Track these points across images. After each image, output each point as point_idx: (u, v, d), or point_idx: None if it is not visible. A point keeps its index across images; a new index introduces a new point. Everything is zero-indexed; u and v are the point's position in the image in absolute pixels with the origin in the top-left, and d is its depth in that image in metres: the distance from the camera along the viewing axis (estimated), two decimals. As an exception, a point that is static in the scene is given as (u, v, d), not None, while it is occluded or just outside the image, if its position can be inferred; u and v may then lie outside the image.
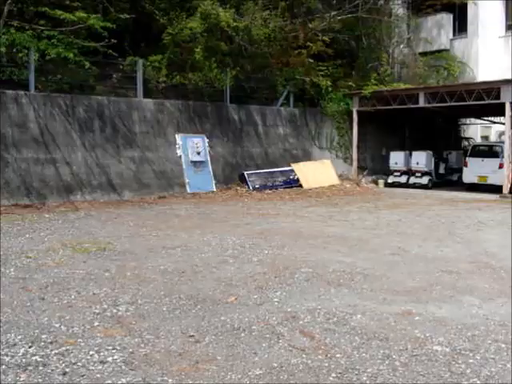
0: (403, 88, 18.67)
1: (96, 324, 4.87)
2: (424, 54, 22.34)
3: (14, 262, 7.22)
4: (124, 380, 3.73)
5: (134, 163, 15.10)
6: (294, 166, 17.73)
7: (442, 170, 19.88)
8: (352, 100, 19.39)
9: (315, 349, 4.32)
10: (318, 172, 17.84)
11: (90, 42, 15.24)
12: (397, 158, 18.90)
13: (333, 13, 18.79)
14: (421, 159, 18.82)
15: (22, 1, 15.38)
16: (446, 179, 19.89)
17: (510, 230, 10.24)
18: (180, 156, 15.96)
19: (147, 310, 5.28)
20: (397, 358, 4.15)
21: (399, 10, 22.44)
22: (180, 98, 16.76)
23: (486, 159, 17.75)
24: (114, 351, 4.24)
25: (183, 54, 16.68)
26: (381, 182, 18.92)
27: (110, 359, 4.08)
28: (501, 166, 16.79)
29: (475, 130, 24.58)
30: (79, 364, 3.99)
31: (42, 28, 14.87)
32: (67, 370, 3.89)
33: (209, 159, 16.45)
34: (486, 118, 22.76)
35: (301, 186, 17.34)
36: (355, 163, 19.39)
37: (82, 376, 3.79)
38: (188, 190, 15.69)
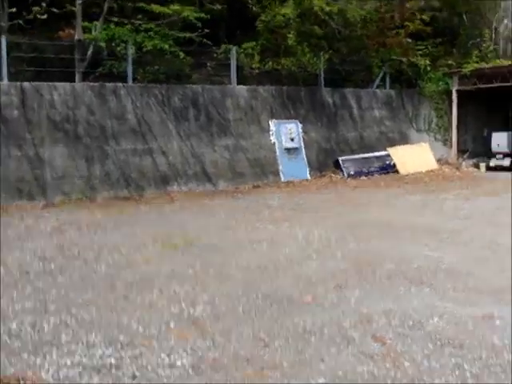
0: (507, 65, 17.63)
1: (172, 325, 5.02)
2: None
3: (106, 258, 7.57)
4: (185, 387, 3.83)
5: (228, 151, 15.32)
6: (391, 150, 17.30)
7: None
8: (451, 79, 18.57)
9: (384, 356, 4.23)
10: (415, 156, 17.31)
11: (186, 32, 15.58)
12: (499, 140, 17.92)
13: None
14: (526, 140, 17.79)
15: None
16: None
17: None
18: (274, 143, 16.00)
19: (223, 311, 5.38)
20: (468, 369, 3.98)
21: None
22: (273, 83, 16.77)
23: None
24: (184, 354, 4.35)
25: (277, 39, 16.65)
26: (482, 165, 18.03)
27: (179, 363, 4.20)
28: None
29: None
30: (149, 368, 4.14)
31: (139, 22, 15.32)
32: (137, 373, 4.05)
33: (303, 145, 16.38)
34: None
35: (397, 171, 16.90)
36: (455, 146, 18.62)
37: (150, 381, 3.93)
38: (282, 179, 15.72)
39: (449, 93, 18.65)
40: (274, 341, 4.59)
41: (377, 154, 17.25)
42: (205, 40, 15.74)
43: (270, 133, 16.03)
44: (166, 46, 14.71)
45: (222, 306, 5.51)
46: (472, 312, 5.16)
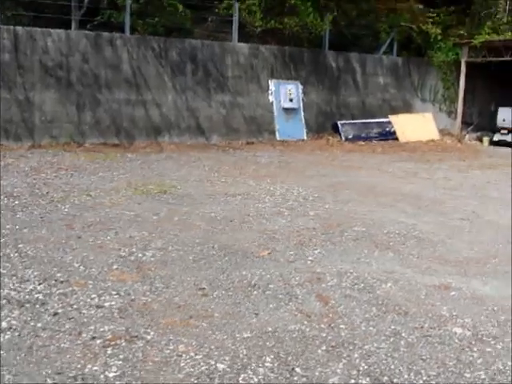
0: (518, 38, 17.07)
1: (115, 267, 4.84)
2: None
3: (73, 200, 7.38)
4: (106, 328, 3.64)
5: (224, 108, 14.99)
6: (392, 118, 16.90)
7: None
8: (461, 50, 18.02)
9: (322, 316, 4.03)
10: (417, 125, 16.90)
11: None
12: (505, 115, 17.43)
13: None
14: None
15: None
16: None
17: None
18: (272, 102, 15.64)
19: (173, 258, 5.19)
20: (405, 337, 3.77)
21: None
22: (276, 43, 16.32)
23: None
24: (116, 297, 4.18)
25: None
26: (485, 139, 17.60)
27: (107, 304, 4.02)
28: None
29: None
30: (75, 306, 3.96)
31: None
32: (60, 311, 3.87)
33: (301, 106, 16.01)
34: None
35: (397, 139, 16.53)
36: (459, 118, 18.16)
37: (70, 319, 3.75)
38: (277, 137, 15.41)
39: (458, 64, 18.11)
40: (213, 291, 4.40)
41: (377, 120, 16.85)
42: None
43: (269, 92, 15.66)
44: (166, -3, 14.28)
45: (173, 253, 5.32)
46: (429, 281, 4.93)
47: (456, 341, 3.74)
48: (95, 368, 3.15)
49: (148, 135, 13.86)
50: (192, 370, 3.19)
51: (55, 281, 4.44)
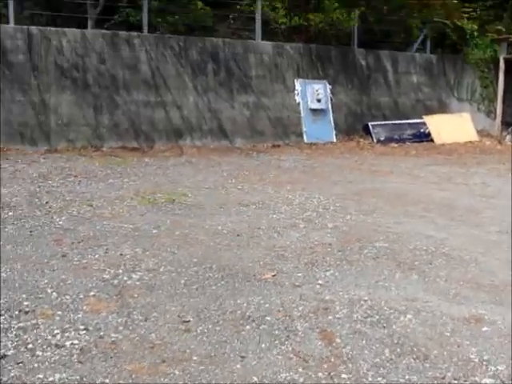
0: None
1: (92, 293, 4.24)
2: None
3: (71, 211, 6.85)
4: (57, 376, 3.04)
5: (247, 109, 14.36)
6: (427, 119, 16.00)
7: None
8: (500, 46, 17.00)
9: (322, 361, 3.34)
10: (453, 126, 15.97)
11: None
12: (548, 114, 16.43)
13: None
14: None
15: None
16: None
17: None
18: (298, 103, 14.94)
19: (162, 281, 4.57)
20: (422, 390, 3.07)
21: None
22: (302, 41, 15.63)
23: None
24: (82, 333, 3.57)
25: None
26: (527, 140, 16.61)
27: (68, 344, 3.42)
28: None
29: None
30: (30, 346, 3.37)
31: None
32: (10, 352, 3.28)
33: (330, 107, 15.28)
34: None
35: (432, 140, 15.64)
36: (499, 118, 17.13)
37: (18, 364, 3.15)
38: (305, 140, 14.71)
39: (496, 61, 17.09)
40: (199, 325, 3.76)
41: (411, 121, 15.98)
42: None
43: (295, 92, 14.96)
44: (185, -6, 13.74)
45: (164, 276, 4.70)
46: (457, 312, 4.19)
47: (486, 399, 3.02)
48: None
49: (168, 138, 13.33)
50: None
51: (19, 311, 3.86)
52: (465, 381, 3.18)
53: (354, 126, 15.66)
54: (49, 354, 3.28)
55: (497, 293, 4.64)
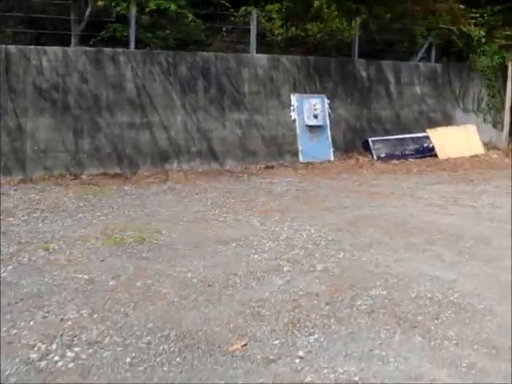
0: None
1: (6, 385, 3.34)
2: None
3: (22, 257, 5.97)
4: None
5: (239, 127, 13.48)
6: (430, 132, 15.07)
7: None
8: (508, 53, 16.09)
9: None
10: (458, 139, 15.03)
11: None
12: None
13: None
14: None
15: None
16: None
17: None
18: (294, 120, 14.05)
19: (102, 361, 3.67)
20: None
21: None
22: (300, 53, 14.78)
23: None
24: None
25: (306, 1, 14.56)
26: (539, 152, 15.64)
27: None
28: None
29: None
30: None
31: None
32: None
33: (328, 123, 14.37)
34: None
35: (436, 155, 14.71)
36: (506, 129, 16.13)
37: None
38: (301, 159, 13.79)
39: (504, 69, 16.17)
40: None
41: (413, 135, 15.06)
42: (223, 1, 13.92)
43: (291, 108, 14.08)
44: (173, 7, 12.87)
45: (107, 352, 3.80)
46: (471, 393, 3.28)
47: None
48: None
49: (154, 162, 12.45)
50: None
51: None
52: None
53: (353, 143, 14.75)
54: None
55: (519, 363, 3.71)
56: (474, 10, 16.25)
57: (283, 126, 13.99)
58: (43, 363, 3.63)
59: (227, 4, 13.98)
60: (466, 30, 15.87)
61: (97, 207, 8.65)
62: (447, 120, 16.05)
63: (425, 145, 14.88)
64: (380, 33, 15.65)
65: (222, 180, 11.51)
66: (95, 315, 4.42)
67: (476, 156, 14.90)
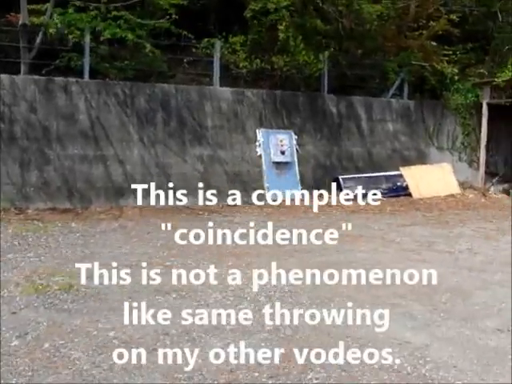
0: (548, 75, 14.66)
1: None
2: None
3: None
4: None
5: (201, 163, 12.72)
6: (404, 171, 14.46)
7: None
8: (482, 91, 15.64)
9: None
10: (433, 178, 14.43)
11: (161, 22, 13.11)
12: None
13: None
14: None
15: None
16: None
17: None
18: (260, 155, 13.35)
19: None
20: None
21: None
22: (267, 87, 14.17)
23: None
24: None
25: (271, 34, 14.03)
26: (514, 192, 15.05)
27: None
28: None
29: None
30: None
31: (93, 5, 12.78)
32: None
33: (296, 160, 13.70)
34: None
35: (410, 195, 14.07)
36: (482, 168, 15.59)
37: None
38: (267, 197, 12.93)
39: (478, 106, 15.70)
40: None
41: (386, 173, 14.43)
42: (185, 33, 13.35)
43: (257, 144, 13.39)
44: (129, 36, 12.21)
45: None
46: None
47: None
48: None
49: (108, 198, 11.61)
50: None
51: None
52: None
53: (323, 180, 14.01)
54: None
55: None
56: (446, 47, 15.96)
57: (248, 162, 13.27)
58: None
59: (190, 35, 13.44)
60: (438, 67, 15.49)
61: (32, 246, 7.77)
62: (421, 158, 15.48)
63: (398, 183, 14.25)
64: (351, 68, 15.19)
65: (179, 218, 10.63)
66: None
67: (451, 196, 14.30)
